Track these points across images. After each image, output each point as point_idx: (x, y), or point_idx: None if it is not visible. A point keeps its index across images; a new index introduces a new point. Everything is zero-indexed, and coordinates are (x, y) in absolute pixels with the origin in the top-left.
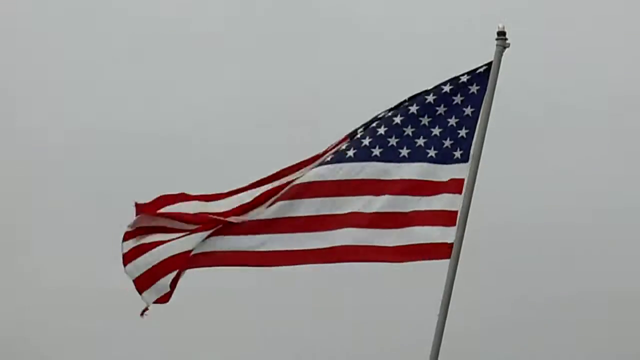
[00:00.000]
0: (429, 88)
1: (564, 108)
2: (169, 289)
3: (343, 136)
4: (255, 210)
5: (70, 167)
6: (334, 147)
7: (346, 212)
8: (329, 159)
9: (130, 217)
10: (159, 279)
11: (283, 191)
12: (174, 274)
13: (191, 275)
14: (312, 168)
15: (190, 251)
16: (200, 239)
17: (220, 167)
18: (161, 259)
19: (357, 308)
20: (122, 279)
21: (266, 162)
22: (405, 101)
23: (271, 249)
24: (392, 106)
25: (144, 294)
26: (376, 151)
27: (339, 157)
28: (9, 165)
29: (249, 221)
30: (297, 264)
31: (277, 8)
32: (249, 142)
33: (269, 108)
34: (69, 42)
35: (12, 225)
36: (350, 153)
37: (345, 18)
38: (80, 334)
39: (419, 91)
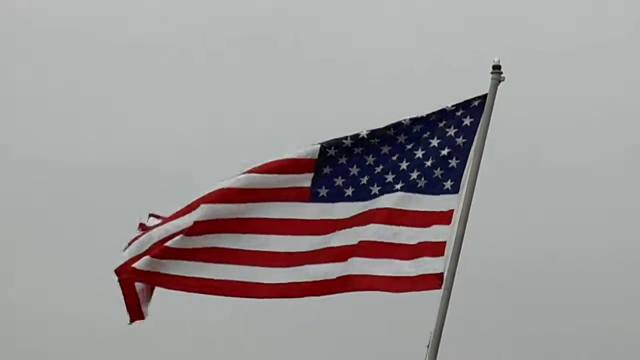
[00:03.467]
0: (418, 117)
1: None
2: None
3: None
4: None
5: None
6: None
7: (338, 244)
8: (325, 194)
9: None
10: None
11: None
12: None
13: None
14: (303, 201)
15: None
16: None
17: None
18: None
19: (344, 338)
20: None
21: None
22: (390, 128)
23: (270, 282)
24: (376, 129)
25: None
26: (374, 189)
27: (337, 196)
28: None
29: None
30: (292, 297)
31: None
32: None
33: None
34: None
35: None
36: (349, 192)
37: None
38: None
39: (406, 118)
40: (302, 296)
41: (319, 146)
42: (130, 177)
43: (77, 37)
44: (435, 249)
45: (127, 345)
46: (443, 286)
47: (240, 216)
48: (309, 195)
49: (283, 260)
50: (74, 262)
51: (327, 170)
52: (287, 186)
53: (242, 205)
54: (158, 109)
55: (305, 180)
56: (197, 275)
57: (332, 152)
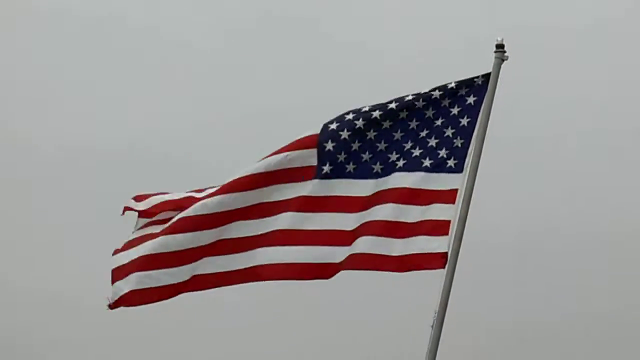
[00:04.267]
0: (421, 92)
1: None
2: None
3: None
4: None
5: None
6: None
7: (342, 223)
8: (329, 171)
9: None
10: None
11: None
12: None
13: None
14: (308, 180)
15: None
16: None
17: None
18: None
19: (350, 318)
20: None
21: None
22: (391, 102)
23: (271, 262)
24: (377, 104)
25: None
26: (377, 167)
27: (339, 172)
28: None
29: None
30: (295, 279)
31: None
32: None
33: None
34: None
35: None
36: (350, 168)
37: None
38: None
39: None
40: (308, 278)
41: (321, 125)
42: (131, 163)
43: (78, 24)
44: (439, 228)
45: (124, 335)
46: (447, 266)
47: (246, 205)
48: (314, 173)
49: (289, 239)
50: (74, 255)
51: (329, 146)
52: (293, 166)
53: (246, 194)
54: (159, 103)
55: (310, 157)
56: (201, 273)
57: (333, 126)
